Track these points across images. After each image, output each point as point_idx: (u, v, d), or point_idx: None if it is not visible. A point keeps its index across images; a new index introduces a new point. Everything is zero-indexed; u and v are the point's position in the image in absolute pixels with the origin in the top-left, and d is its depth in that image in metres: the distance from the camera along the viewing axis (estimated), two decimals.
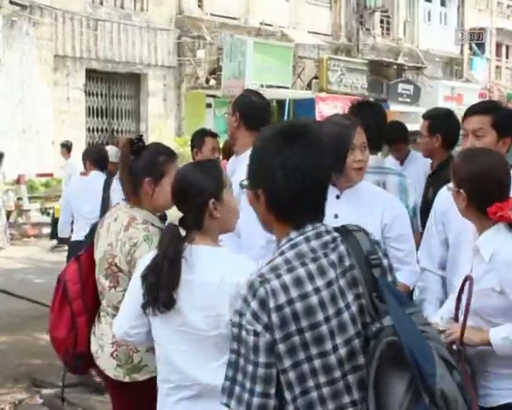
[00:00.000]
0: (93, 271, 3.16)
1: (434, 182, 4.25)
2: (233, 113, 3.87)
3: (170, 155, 3.16)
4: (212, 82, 19.22)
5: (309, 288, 1.77)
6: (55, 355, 3.40)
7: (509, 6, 32.94)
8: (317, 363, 1.76)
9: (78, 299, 3.15)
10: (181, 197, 2.54)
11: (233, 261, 2.47)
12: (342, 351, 1.77)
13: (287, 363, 1.74)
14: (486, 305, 2.64)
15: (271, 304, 1.74)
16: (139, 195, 3.08)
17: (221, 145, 6.65)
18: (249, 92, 4.20)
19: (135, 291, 2.55)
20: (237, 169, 3.88)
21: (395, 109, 22.14)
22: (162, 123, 18.61)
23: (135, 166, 3.07)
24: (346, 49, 23.83)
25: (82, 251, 3.29)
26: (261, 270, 1.82)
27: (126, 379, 3.05)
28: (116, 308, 3.03)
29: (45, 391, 5.36)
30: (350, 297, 1.81)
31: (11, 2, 15.08)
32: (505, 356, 2.64)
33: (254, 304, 1.76)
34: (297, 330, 1.75)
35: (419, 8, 26.77)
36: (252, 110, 3.84)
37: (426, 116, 4.68)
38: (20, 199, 14.46)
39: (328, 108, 19.72)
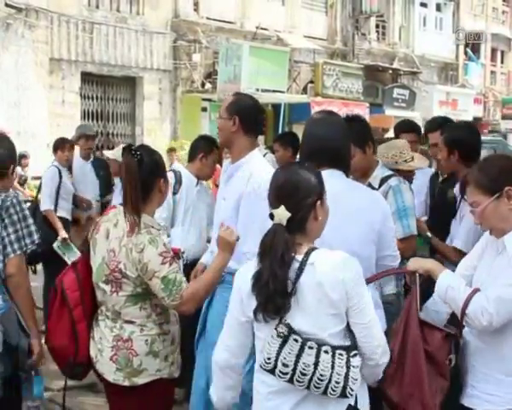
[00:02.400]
0: (90, 277, 3.14)
1: (450, 185, 4.32)
2: (230, 117, 3.76)
3: (160, 155, 3.28)
4: (208, 86, 19.22)
5: None
6: (49, 359, 3.36)
7: (504, 12, 33.05)
8: None
9: (79, 306, 3.12)
10: (288, 198, 2.46)
11: (336, 260, 2.45)
12: None
13: None
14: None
15: None
16: (148, 199, 3.08)
17: None
18: (242, 95, 4.11)
19: (233, 317, 2.57)
20: (235, 174, 3.83)
21: (390, 114, 22.22)
22: (158, 126, 18.60)
23: (143, 173, 3.04)
24: (341, 53, 23.86)
25: (79, 259, 3.27)
26: None
27: (126, 383, 3.04)
28: (117, 313, 3.06)
29: None
30: None
31: (7, 5, 15.06)
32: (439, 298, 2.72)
33: None
34: None
35: (414, 13, 26.84)
36: (250, 115, 3.78)
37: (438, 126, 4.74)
38: None
39: None
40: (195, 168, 5.20)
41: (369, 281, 2.86)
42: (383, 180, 4.00)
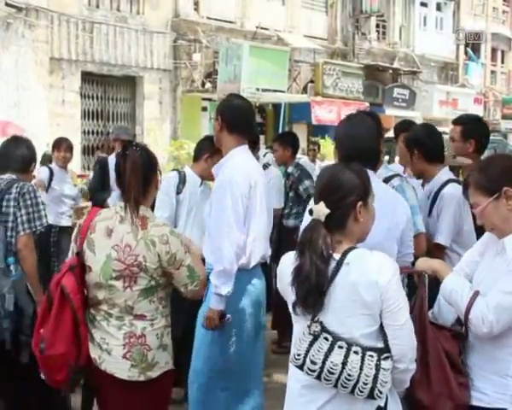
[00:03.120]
0: (83, 279, 3.13)
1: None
2: (216, 117, 3.93)
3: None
4: (208, 85, 19.23)
5: None
6: None
7: (504, 11, 33.06)
8: None
9: (80, 309, 3.11)
10: (329, 196, 2.47)
11: (372, 261, 2.44)
12: None
13: None
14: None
15: None
16: (148, 193, 3.18)
17: None
18: (232, 96, 4.24)
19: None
20: (219, 173, 3.89)
21: (390, 114, 22.22)
22: (158, 126, 18.60)
23: (144, 168, 3.15)
24: (341, 53, 23.87)
25: (74, 262, 3.19)
26: None
27: (142, 378, 3.07)
28: (129, 308, 3.06)
29: None
30: None
31: (7, 5, 15.07)
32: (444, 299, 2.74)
33: None
34: None
35: (415, 12, 26.84)
36: (233, 114, 3.90)
37: (458, 122, 4.65)
38: None
39: (323, 112, 19.77)
40: (200, 168, 5.17)
41: None
42: (386, 180, 4.02)
